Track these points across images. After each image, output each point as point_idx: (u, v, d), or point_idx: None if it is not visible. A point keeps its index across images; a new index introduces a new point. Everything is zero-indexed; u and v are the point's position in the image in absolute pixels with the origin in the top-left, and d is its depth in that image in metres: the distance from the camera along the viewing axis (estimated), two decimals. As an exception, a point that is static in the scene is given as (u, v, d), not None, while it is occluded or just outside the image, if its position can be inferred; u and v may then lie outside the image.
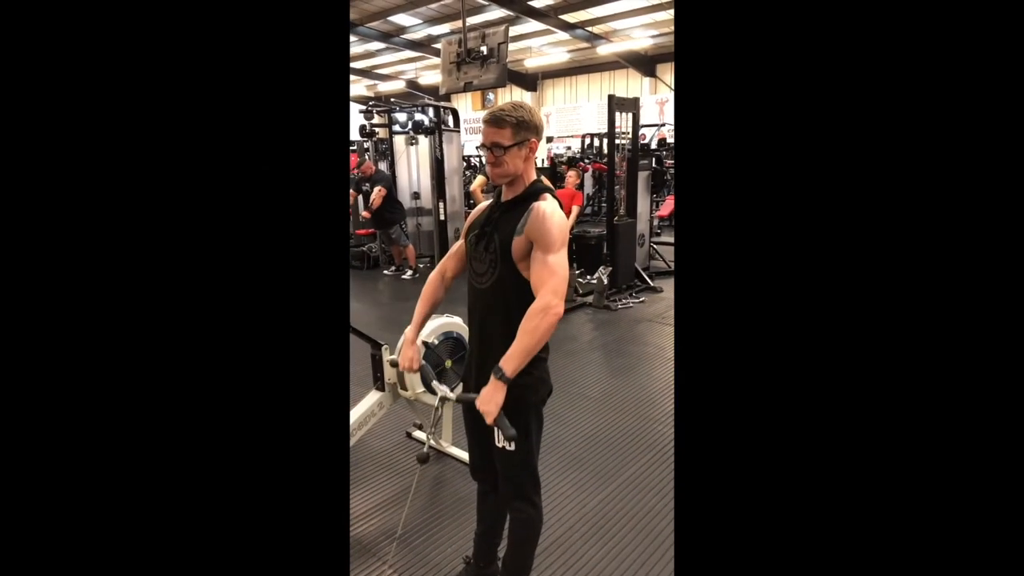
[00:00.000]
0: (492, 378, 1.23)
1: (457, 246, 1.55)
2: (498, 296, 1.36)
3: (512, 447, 1.38)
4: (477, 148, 1.47)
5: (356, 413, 2.16)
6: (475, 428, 1.52)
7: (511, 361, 1.22)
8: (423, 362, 1.52)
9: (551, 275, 1.25)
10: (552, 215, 1.29)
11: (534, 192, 1.35)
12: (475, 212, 1.51)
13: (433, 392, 1.52)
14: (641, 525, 2.00)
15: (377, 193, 5.62)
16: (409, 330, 1.52)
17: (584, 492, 2.20)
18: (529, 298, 1.31)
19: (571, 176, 5.80)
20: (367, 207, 5.65)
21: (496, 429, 1.39)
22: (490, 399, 1.22)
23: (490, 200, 1.47)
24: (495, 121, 1.31)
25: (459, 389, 1.59)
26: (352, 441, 2.14)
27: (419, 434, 2.61)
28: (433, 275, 1.56)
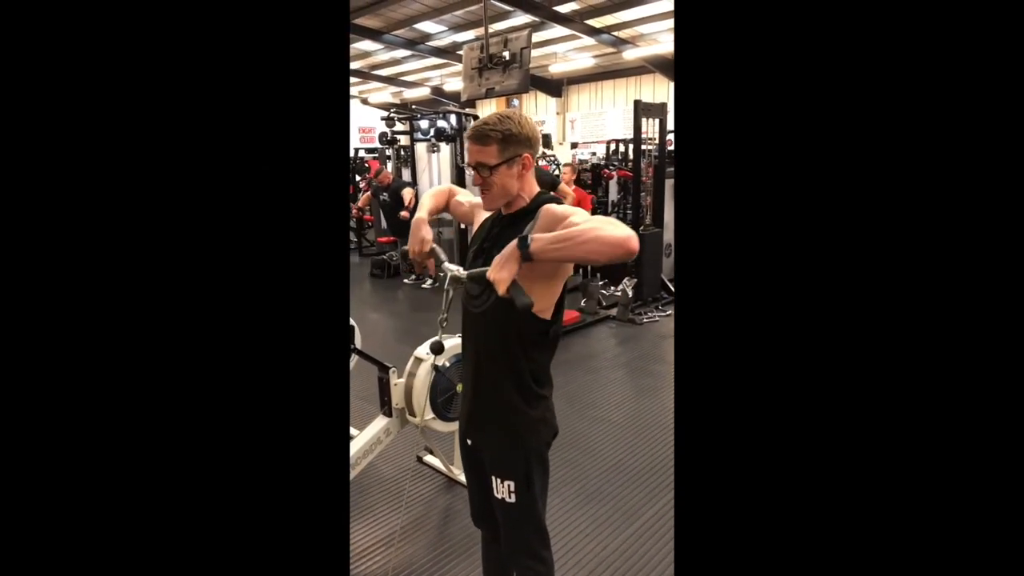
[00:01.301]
0: (512, 243, 1.01)
1: (464, 201, 1.42)
2: (496, 321, 1.19)
3: (513, 499, 1.22)
4: (462, 165, 1.31)
5: (361, 440, 2.03)
6: (474, 472, 1.36)
7: (542, 240, 0.99)
8: (435, 245, 1.33)
9: (606, 219, 1.02)
10: (567, 207, 1.14)
11: (541, 203, 1.19)
12: (478, 206, 1.35)
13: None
14: (670, 571, 1.81)
15: (410, 193, 5.53)
16: (419, 212, 1.36)
17: (605, 531, 2.03)
18: (529, 328, 1.14)
19: (566, 172, 5.16)
20: (405, 208, 5.53)
21: (495, 478, 1.24)
22: (502, 266, 1.00)
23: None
24: (478, 137, 1.14)
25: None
26: (355, 472, 2.01)
27: (430, 459, 2.47)
28: (444, 188, 1.45)
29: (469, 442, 1.33)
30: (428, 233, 1.30)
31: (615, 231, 0.97)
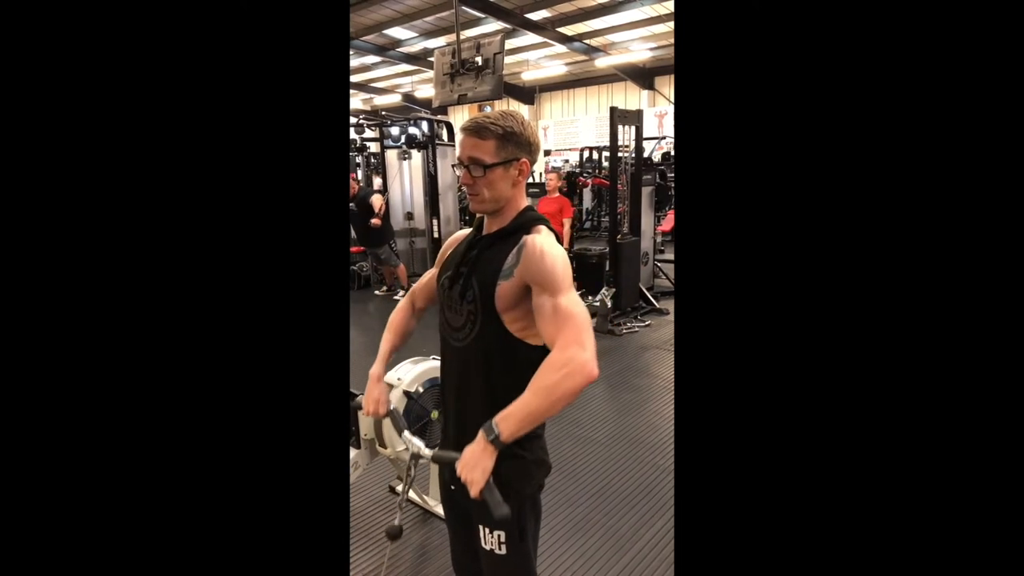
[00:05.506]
0: (481, 436, 0.91)
1: (428, 276, 1.26)
2: (479, 357, 1.06)
3: (503, 550, 1.07)
4: (453, 166, 1.19)
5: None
6: (458, 520, 1.20)
7: (510, 422, 0.90)
8: (393, 407, 1.21)
9: (568, 321, 0.94)
10: (552, 250, 1.00)
11: (525, 223, 1.05)
12: (450, 241, 1.21)
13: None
14: (664, 611, 1.67)
15: (380, 200, 5.28)
16: (375, 366, 1.22)
17: (596, 564, 1.88)
18: (519, 359, 1.02)
19: (551, 179, 5.03)
20: (376, 216, 5.27)
21: (483, 528, 1.09)
22: (475, 464, 0.91)
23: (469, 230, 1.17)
24: (476, 130, 1.01)
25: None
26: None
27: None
28: (402, 303, 1.30)
29: (452, 487, 1.17)
30: (383, 393, 1.20)
31: (579, 374, 0.89)
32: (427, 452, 1.10)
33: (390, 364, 1.97)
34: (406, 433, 1.16)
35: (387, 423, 1.85)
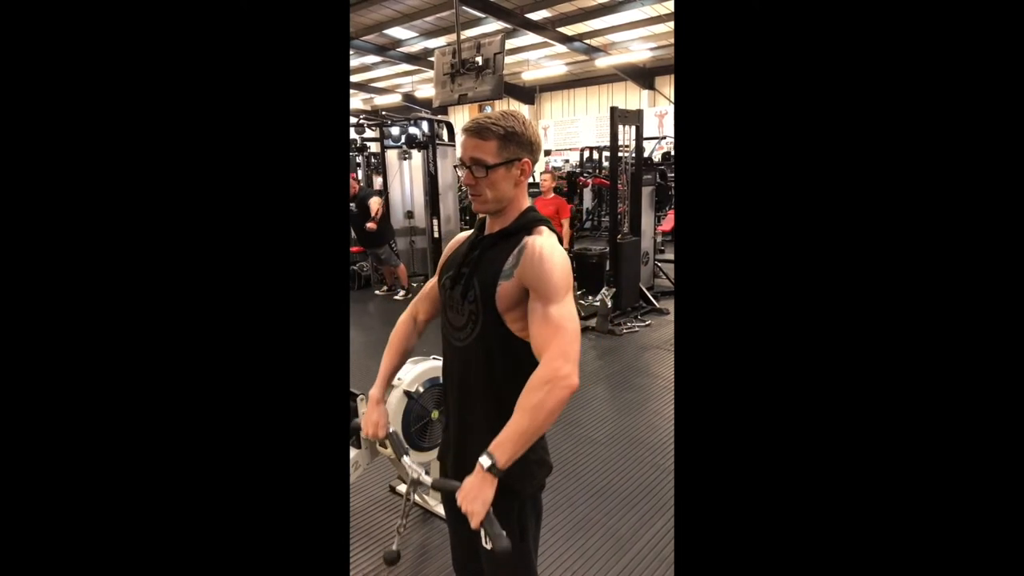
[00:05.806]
0: (479, 467, 0.92)
1: (430, 285, 1.25)
2: (480, 356, 1.06)
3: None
4: (455, 166, 1.20)
5: (326, 475, 1.84)
6: (459, 519, 1.21)
7: (505, 447, 0.91)
8: (392, 430, 1.21)
9: (557, 332, 0.95)
10: (552, 254, 1.00)
11: (526, 224, 1.06)
12: (451, 244, 1.21)
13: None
14: (664, 611, 1.67)
15: (377, 203, 5.28)
16: (374, 388, 1.22)
17: (595, 564, 1.88)
18: (520, 359, 1.02)
19: (545, 180, 4.94)
20: (372, 220, 5.28)
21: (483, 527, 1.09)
22: (476, 496, 0.91)
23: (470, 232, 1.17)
24: (477, 131, 1.01)
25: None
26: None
27: (404, 488, 2.29)
28: (403, 318, 1.27)
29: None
30: (383, 416, 1.20)
31: (561, 388, 0.92)
32: (427, 479, 1.11)
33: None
34: (406, 459, 1.17)
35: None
